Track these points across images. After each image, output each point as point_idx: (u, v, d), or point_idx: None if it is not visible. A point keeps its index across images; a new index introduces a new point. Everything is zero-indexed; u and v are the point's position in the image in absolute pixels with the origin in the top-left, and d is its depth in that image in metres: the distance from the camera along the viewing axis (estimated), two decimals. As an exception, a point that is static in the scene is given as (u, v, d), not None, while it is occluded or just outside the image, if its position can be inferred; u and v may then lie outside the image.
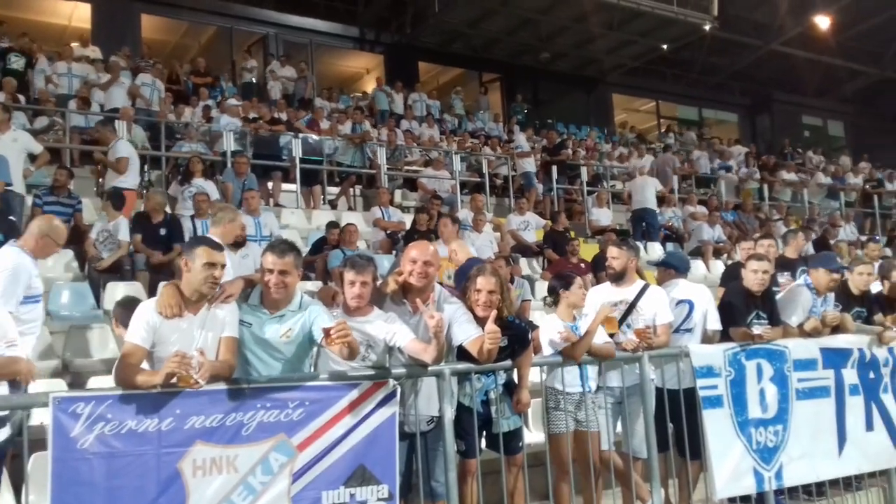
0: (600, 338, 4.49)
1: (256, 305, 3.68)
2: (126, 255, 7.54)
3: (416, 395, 3.88)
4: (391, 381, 3.70)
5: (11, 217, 6.97)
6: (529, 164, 14.02)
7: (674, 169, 15.69)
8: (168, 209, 8.63)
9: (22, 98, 11.24)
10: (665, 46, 19.93)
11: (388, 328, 3.76)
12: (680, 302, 5.08)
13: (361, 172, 12.82)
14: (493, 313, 3.87)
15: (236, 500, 3.29)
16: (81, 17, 16.89)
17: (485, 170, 13.64)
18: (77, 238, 7.70)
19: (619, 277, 4.96)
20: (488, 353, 3.80)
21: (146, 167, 11.12)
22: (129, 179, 8.82)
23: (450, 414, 3.90)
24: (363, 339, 3.73)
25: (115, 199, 7.89)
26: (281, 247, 3.66)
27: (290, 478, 3.41)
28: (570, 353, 4.37)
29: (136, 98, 11.99)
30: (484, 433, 4.25)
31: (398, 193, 12.91)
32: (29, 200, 7.91)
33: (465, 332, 3.92)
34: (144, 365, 3.36)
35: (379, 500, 3.57)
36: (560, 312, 4.57)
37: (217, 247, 3.52)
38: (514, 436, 4.26)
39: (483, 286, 4.06)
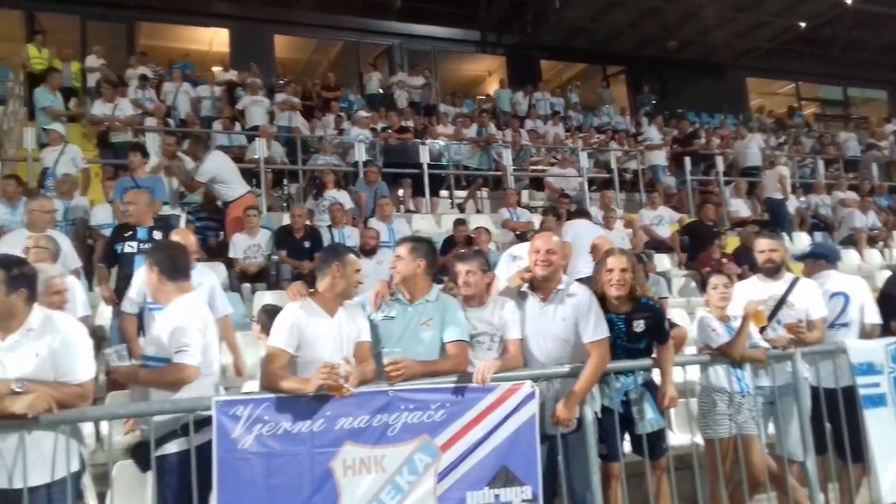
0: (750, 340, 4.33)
1: (399, 298, 3.81)
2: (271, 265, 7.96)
3: (555, 397, 3.86)
4: (529, 383, 3.71)
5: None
6: (658, 157, 13.61)
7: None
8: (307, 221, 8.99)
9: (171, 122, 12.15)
10: (803, 24, 18.76)
11: (502, 317, 3.86)
12: (834, 295, 4.78)
13: (488, 175, 12.90)
14: (626, 291, 3.93)
15: (385, 499, 3.40)
16: (220, 42, 18.04)
17: (613, 165, 13.35)
18: (225, 251, 8.21)
19: (776, 271, 4.72)
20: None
21: (285, 181, 11.73)
22: (236, 189, 8.64)
23: (591, 416, 3.86)
24: (488, 330, 3.83)
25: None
26: (410, 238, 4.02)
27: (435, 478, 3.49)
28: (728, 352, 4.23)
29: (274, 115, 12.66)
30: (626, 435, 4.15)
31: (525, 194, 12.86)
32: (183, 218, 8.51)
33: (590, 330, 3.87)
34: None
35: (523, 501, 3.59)
36: (713, 312, 4.48)
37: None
38: (658, 437, 4.12)
39: (615, 265, 4.01)
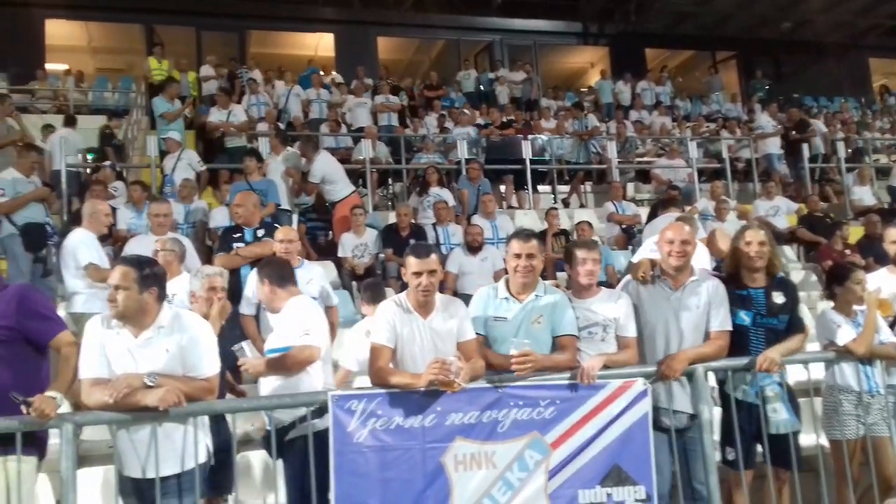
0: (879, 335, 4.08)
1: (508, 297, 3.74)
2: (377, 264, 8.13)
3: (670, 392, 3.77)
4: (641, 380, 3.63)
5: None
6: (772, 145, 12.99)
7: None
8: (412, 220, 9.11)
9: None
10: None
11: (616, 309, 3.78)
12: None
13: (591, 168, 12.69)
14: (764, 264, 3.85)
15: (496, 495, 3.41)
16: (325, 46, 18.58)
17: (724, 154, 12.84)
18: (333, 250, 8.44)
19: None
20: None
21: (390, 180, 11.96)
22: (342, 189, 8.87)
23: (707, 414, 3.73)
24: (601, 321, 3.76)
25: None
26: (524, 233, 3.85)
27: (546, 475, 3.48)
28: (854, 349, 4.02)
29: (378, 116, 12.92)
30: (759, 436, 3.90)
31: (630, 186, 12.60)
32: (295, 218, 8.82)
33: (719, 319, 3.82)
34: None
35: (637, 501, 3.52)
36: (839, 308, 4.23)
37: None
38: (788, 443, 3.80)
39: (753, 238, 3.89)
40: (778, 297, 3.86)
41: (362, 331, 4.66)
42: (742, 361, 3.83)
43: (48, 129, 11.12)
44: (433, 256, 3.53)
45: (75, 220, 7.10)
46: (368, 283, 5.34)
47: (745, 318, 3.89)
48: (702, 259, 4.45)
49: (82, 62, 17.19)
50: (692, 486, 3.76)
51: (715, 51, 20.55)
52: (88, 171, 10.06)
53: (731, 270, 3.99)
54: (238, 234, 6.31)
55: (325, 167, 8.76)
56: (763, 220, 10.02)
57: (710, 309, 3.82)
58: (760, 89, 18.12)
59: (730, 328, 3.84)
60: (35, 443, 3.29)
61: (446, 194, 9.63)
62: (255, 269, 4.59)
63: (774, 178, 12.17)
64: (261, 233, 6.29)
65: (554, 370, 3.57)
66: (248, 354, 3.76)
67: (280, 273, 4.04)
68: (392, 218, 9.14)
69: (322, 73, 15.21)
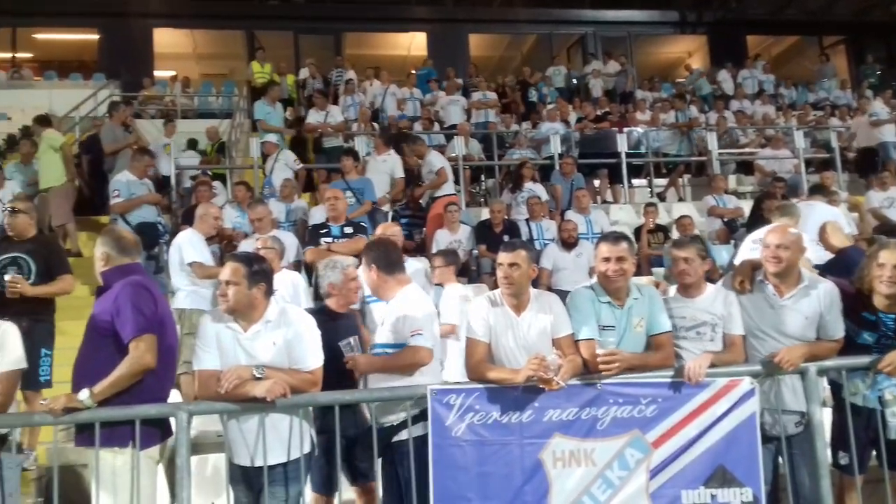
0: None
1: (609, 302, 3.64)
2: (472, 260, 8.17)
3: (779, 393, 3.63)
4: (748, 379, 3.51)
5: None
6: (888, 133, 12.24)
7: None
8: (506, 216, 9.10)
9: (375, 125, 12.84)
10: None
11: (723, 306, 3.67)
12: None
13: (690, 161, 12.32)
14: None
15: (596, 493, 3.38)
16: (418, 45, 18.81)
17: (833, 144, 12.21)
18: (424, 247, 8.53)
19: None
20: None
21: (482, 176, 11.98)
22: (446, 187, 9.01)
23: (819, 416, 3.57)
24: (709, 320, 3.66)
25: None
26: (613, 235, 3.77)
27: (647, 474, 3.41)
28: None
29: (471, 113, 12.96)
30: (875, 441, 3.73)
31: (732, 179, 12.18)
32: (389, 215, 8.96)
33: (832, 326, 3.63)
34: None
35: (743, 503, 3.40)
36: None
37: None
38: None
39: (888, 260, 3.62)
40: None
41: (455, 295, 4.60)
42: (860, 361, 3.65)
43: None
44: (520, 251, 3.54)
45: (187, 219, 7.49)
46: (443, 252, 5.18)
47: (868, 338, 3.71)
48: (814, 255, 4.24)
49: (188, 68, 18.05)
50: (800, 494, 3.61)
51: (822, 35, 19.57)
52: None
53: (862, 289, 3.73)
54: (325, 230, 6.48)
55: (441, 161, 9.00)
56: (877, 213, 9.50)
57: (821, 319, 3.64)
58: (872, 75, 17.18)
59: (842, 336, 3.67)
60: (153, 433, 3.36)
61: (539, 190, 9.58)
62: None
63: (889, 167, 11.46)
64: (349, 230, 6.44)
65: (644, 369, 3.50)
66: (354, 351, 3.77)
67: (388, 258, 3.78)
68: (485, 214, 9.18)
69: (414, 71, 15.42)
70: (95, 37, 17.58)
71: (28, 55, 18.35)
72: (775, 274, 3.66)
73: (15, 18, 16.79)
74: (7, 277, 4.61)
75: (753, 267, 3.81)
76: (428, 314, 3.69)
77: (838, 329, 3.66)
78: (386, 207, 8.80)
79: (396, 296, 3.73)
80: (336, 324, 3.94)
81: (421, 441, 3.45)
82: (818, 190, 7.50)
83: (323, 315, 3.93)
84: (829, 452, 3.67)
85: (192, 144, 12.43)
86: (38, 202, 9.04)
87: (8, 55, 17.70)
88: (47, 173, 8.75)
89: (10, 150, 11.76)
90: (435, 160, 9.01)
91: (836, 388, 3.89)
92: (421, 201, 9.18)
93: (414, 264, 5.61)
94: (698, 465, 3.43)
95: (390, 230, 5.73)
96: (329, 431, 3.54)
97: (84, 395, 3.18)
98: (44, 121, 9.48)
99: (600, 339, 3.49)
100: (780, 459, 3.68)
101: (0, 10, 16.30)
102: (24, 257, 4.87)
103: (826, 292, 3.66)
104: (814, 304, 3.64)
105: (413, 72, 15.29)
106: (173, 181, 9.78)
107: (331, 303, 4.10)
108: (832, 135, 12.49)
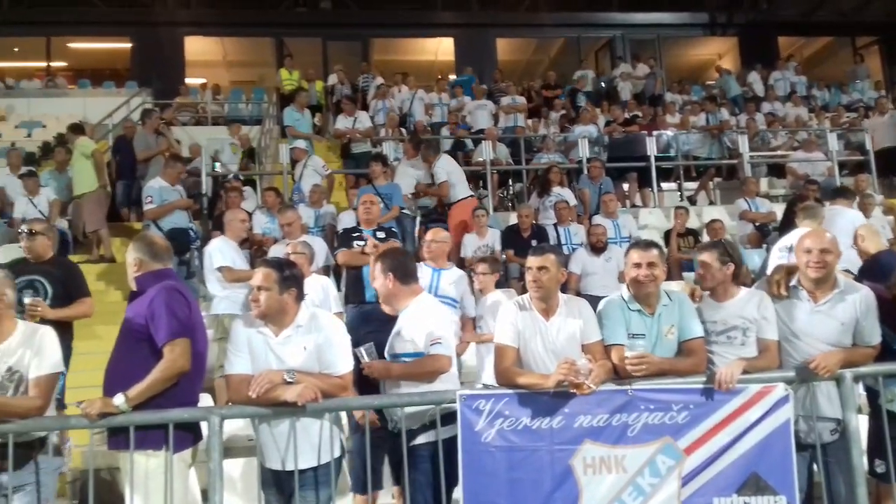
0: None
1: (640, 310, 3.61)
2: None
3: (814, 400, 3.57)
4: (782, 386, 3.45)
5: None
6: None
7: None
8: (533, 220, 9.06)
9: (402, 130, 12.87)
10: None
11: (756, 310, 3.61)
12: None
13: (721, 164, 12.18)
14: None
15: (627, 500, 3.34)
16: (446, 50, 18.84)
17: (868, 146, 12.00)
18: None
19: None
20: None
21: (510, 181, 11.95)
22: (460, 191, 8.93)
23: (855, 423, 3.50)
24: (739, 324, 3.61)
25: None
26: (644, 242, 3.76)
27: (679, 481, 3.37)
28: None
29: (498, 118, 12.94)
30: None
31: (763, 182, 11.99)
32: (417, 220, 8.99)
33: (869, 332, 3.56)
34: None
35: (777, 511, 3.35)
36: None
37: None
38: None
39: None
40: None
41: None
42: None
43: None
44: (549, 255, 3.55)
45: (217, 225, 7.58)
46: (485, 258, 5.37)
47: None
48: (845, 259, 4.16)
49: (218, 76, 18.29)
50: (833, 501, 3.55)
51: (855, 36, 19.26)
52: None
53: (894, 292, 3.67)
54: (357, 234, 6.52)
55: (448, 167, 8.92)
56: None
57: (857, 324, 3.57)
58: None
59: (879, 342, 3.61)
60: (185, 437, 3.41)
61: (567, 194, 9.52)
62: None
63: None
64: (381, 234, 6.47)
65: (674, 374, 3.47)
66: (366, 359, 3.67)
67: (405, 268, 3.80)
68: (512, 219, 9.13)
69: (441, 77, 15.44)
70: (128, 45, 17.89)
71: (62, 64, 18.72)
72: (816, 280, 3.60)
73: (49, 28, 17.18)
74: (27, 301, 4.49)
75: (789, 272, 3.76)
76: (447, 324, 3.72)
77: (875, 335, 3.59)
78: (408, 211, 8.80)
79: (410, 305, 3.75)
80: (390, 326, 3.86)
81: (435, 447, 3.46)
82: (840, 193, 7.37)
83: (376, 319, 3.98)
84: (865, 460, 3.60)
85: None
86: (72, 208, 9.25)
87: (43, 64, 18.10)
88: (80, 180, 8.91)
89: (45, 158, 12.00)
90: (440, 172, 8.87)
91: (873, 394, 3.81)
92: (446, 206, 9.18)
93: (455, 273, 5.71)
94: (731, 473, 3.39)
95: (440, 236, 5.73)
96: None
97: (119, 399, 3.22)
98: (77, 129, 9.64)
99: (628, 342, 3.47)
100: (815, 467, 3.62)
101: (35, 20, 16.71)
102: (40, 280, 4.77)
103: (862, 298, 3.60)
104: (850, 310, 3.57)
105: (451, 77, 15.29)
106: (204, 188, 9.88)
107: (386, 309, 4.04)
108: (866, 137, 12.27)
